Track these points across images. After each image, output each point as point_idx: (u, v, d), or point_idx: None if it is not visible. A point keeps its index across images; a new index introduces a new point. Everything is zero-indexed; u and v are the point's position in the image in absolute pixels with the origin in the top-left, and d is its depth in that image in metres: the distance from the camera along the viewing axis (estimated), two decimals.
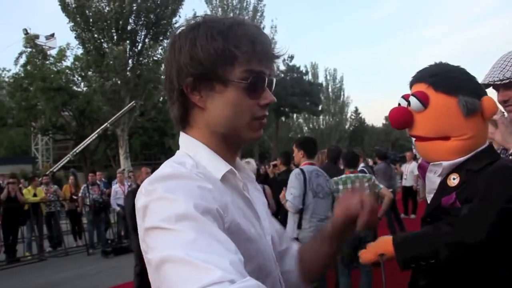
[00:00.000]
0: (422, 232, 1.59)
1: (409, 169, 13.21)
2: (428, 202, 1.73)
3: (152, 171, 1.48)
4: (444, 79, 1.60)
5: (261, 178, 7.91)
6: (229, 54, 1.03)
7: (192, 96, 1.08)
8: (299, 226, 4.55)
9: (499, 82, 1.96)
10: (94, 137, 22.58)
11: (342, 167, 6.17)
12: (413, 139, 1.74)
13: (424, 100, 1.60)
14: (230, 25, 1.05)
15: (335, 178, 5.36)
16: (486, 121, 1.63)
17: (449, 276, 1.52)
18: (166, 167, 1.04)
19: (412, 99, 1.63)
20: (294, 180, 4.66)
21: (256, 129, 1.12)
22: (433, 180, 1.69)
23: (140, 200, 0.96)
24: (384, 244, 1.59)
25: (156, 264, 0.83)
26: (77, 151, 22.91)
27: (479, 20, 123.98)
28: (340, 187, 5.27)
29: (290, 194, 4.61)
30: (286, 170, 6.67)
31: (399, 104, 1.72)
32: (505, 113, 2.03)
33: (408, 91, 1.71)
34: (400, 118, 1.68)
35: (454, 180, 1.60)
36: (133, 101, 21.01)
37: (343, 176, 5.42)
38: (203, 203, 0.91)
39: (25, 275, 9.31)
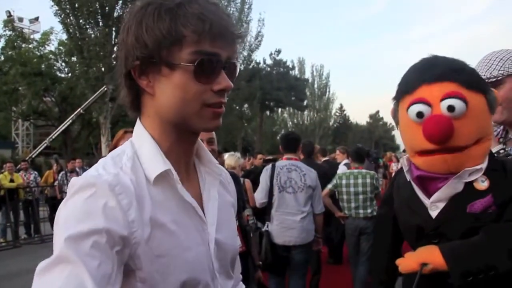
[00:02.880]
0: (475, 242, 1.41)
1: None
2: (433, 212, 1.54)
3: None
4: (471, 75, 1.47)
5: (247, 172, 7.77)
6: (175, 34, 0.93)
7: (140, 80, 0.99)
8: (269, 219, 4.66)
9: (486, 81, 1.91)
10: (68, 123, 22.55)
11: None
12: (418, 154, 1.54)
13: (465, 101, 1.42)
14: (180, 2, 0.94)
15: (339, 173, 5.69)
16: None
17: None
18: (92, 169, 0.97)
19: (456, 102, 1.41)
20: (261, 175, 4.82)
21: (209, 118, 0.99)
22: (455, 186, 1.50)
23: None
24: (429, 254, 1.45)
25: None
26: (53, 137, 22.75)
27: (467, 22, 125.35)
28: (344, 181, 5.51)
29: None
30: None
31: (419, 114, 1.47)
32: None
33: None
34: (449, 130, 1.42)
35: (483, 183, 1.46)
36: (104, 86, 20.82)
37: (347, 171, 5.70)
38: (90, 225, 0.86)
39: None
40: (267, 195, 4.66)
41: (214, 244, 1.06)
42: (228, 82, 0.99)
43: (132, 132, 2.95)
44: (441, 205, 1.53)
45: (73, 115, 22.38)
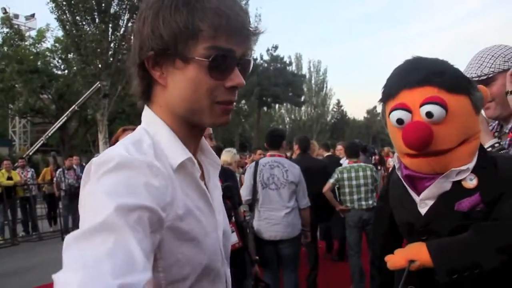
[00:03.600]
0: (461, 239, 1.42)
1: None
2: (422, 210, 1.56)
3: None
4: (452, 77, 1.45)
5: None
6: (192, 28, 0.92)
7: (153, 71, 0.99)
8: (253, 215, 4.81)
9: (476, 79, 1.90)
10: (64, 120, 22.57)
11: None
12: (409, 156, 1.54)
13: (445, 105, 1.41)
14: None
15: (339, 168, 5.88)
16: None
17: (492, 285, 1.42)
18: (119, 149, 0.92)
19: (434, 108, 1.41)
20: (246, 173, 4.97)
21: (219, 114, 1.00)
22: (443, 185, 1.50)
23: (83, 183, 0.89)
24: (416, 250, 1.46)
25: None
26: (49, 134, 22.74)
27: (465, 18, 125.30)
28: (345, 175, 5.72)
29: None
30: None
31: (399, 121, 1.48)
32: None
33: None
34: (428, 137, 1.42)
35: (471, 181, 1.46)
36: (98, 82, 20.81)
37: (347, 165, 5.89)
38: (135, 201, 0.81)
39: None
40: (251, 192, 4.77)
41: (221, 231, 1.10)
42: (240, 79, 0.99)
43: (131, 129, 2.94)
44: (430, 202, 1.54)
45: (67, 112, 22.41)
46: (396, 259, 1.52)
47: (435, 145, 1.44)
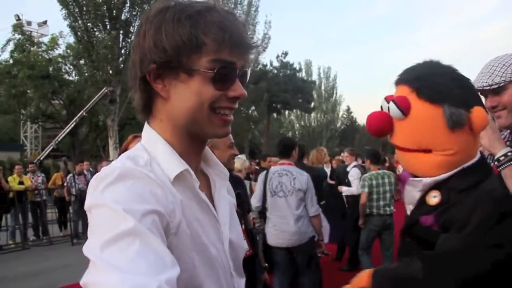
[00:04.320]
0: (396, 269, 1.47)
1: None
2: (408, 212, 1.62)
3: None
4: (430, 84, 1.43)
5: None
6: (196, 42, 0.94)
7: (155, 84, 1.00)
8: (264, 222, 4.98)
9: (487, 88, 1.88)
10: (72, 125, 22.73)
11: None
12: None
13: (404, 108, 1.45)
14: (200, 9, 0.96)
15: (366, 175, 6.23)
16: (476, 134, 1.47)
17: None
18: (117, 163, 0.95)
19: (391, 106, 1.48)
20: (258, 180, 5.18)
21: (218, 125, 1.02)
22: (412, 194, 1.56)
23: (87, 200, 0.90)
24: (363, 277, 1.48)
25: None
26: (59, 139, 22.97)
27: (474, 24, 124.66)
28: (374, 182, 6.08)
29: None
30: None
31: (381, 108, 1.57)
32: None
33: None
34: (378, 125, 1.53)
35: (434, 199, 1.46)
36: (105, 87, 20.97)
37: (373, 172, 6.24)
38: (145, 206, 0.85)
39: (7, 263, 9.22)
40: (261, 199, 4.92)
41: (228, 243, 1.09)
42: (242, 90, 1.02)
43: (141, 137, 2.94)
44: (411, 207, 1.58)
45: (76, 117, 22.59)
46: None
47: (394, 138, 1.54)
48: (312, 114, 52.60)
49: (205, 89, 0.97)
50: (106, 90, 20.94)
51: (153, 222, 0.84)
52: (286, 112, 50.19)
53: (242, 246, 1.19)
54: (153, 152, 1.02)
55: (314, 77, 52.74)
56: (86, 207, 0.89)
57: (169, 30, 0.95)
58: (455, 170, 1.45)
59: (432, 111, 1.42)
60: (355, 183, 7.14)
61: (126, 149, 2.89)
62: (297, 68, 44.50)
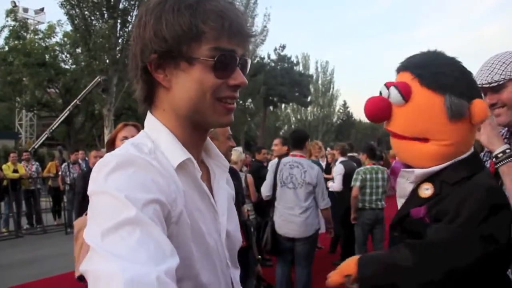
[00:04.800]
0: (383, 256, 1.47)
1: None
2: (399, 206, 1.60)
3: None
4: (433, 73, 1.44)
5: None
6: (195, 30, 0.95)
7: (157, 74, 1.01)
8: (273, 210, 5.03)
9: (487, 85, 1.88)
10: (66, 114, 22.98)
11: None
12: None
13: (405, 93, 1.45)
14: None
15: (360, 169, 6.33)
16: (474, 126, 1.48)
17: None
18: (120, 151, 0.96)
19: (392, 90, 1.48)
20: (269, 170, 5.27)
21: (221, 113, 1.03)
22: (404, 186, 1.56)
23: (89, 186, 0.90)
24: (350, 264, 1.48)
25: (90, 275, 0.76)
26: (53, 128, 23.02)
27: (474, 22, 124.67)
28: (368, 176, 6.19)
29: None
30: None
31: (380, 93, 1.56)
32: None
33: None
34: (377, 110, 1.52)
35: (426, 191, 1.46)
36: (98, 76, 21.01)
37: (368, 166, 6.35)
38: (147, 195, 0.85)
39: (1, 251, 9.21)
40: (271, 189, 5.01)
41: (226, 234, 1.10)
42: (243, 78, 1.03)
43: (132, 125, 2.94)
44: (403, 201, 1.58)
45: (70, 106, 22.75)
46: (333, 277, 1.53)
47: (391, 124, 1.53)
48: (309, 108, 52.56)
49: (206, 77, 0.98)
50: (99, 79, 20.94)
51: (154, 211, 0.84)
52: (283, 105, 50.21)
53: (238, 238, 1.20)
54: (156, 140, 1.03)
55: (312, 71, 52.69)
56: (88, 192, 0.89)
57: (169, 19, 0.96)
58: (449, 163, 1.45)
59: (433, 99, 1.42)
60: (338, 179, 7.21)
61: (115, 137, 2.89)
62: (295, 62, 44.46)
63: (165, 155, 1.00)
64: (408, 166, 1.56)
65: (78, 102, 21.99)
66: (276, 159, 5.97)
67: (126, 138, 2.78)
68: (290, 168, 4.92)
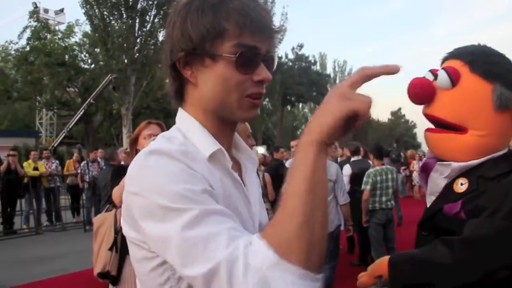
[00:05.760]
0: (417, 255, 1.39)
1: None
2: (428, 205, 1.55)
3: None
4: (485, 60, 1.41)
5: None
6: (218, 28, 1.00)
7: (184, 71, 1.06)
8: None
9: None
10: (81, 112, 23.51)
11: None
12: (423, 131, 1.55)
13: (454, 77, 1.41)
14: None
15: (370, 171, 6.25)
16: None
17: None
18: (155, 145, 1.00)
19: (441, 73, 1.44)
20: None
21: (247, 108, 1.05)
22: (437, 181, 1.51)
23: (136, 184, 0.95)
24: (380, 265, 1.43)
25: (178, 242, 0.85)
26: (70, 127, 23.47)
27: (492, 21, 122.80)
28: (378, 178, 6.20)
29: None
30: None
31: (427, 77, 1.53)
32: None
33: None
34: (420, 89, 1.47)
35: (462, 186, 1.41)
36: (109, 74, 21.27)
37: (378, 168, 6.33)
38: (198, 186, 0.91)
39: (21, 247, 9.38)
40: None
41: (258, 224, 1.12)
42: (267, 73, 1.05)
43: (155, 123, 2.98)
44: (433, 198, 1.53)
45: (84, 104, 23.30)
46: (364, 278, 1.49)
47: (432, 107, 1.48)
48: None
49: (229, 73, 1.01)
50: (110, 77, 21.20)
51: (210, 196, 0.91)
52: (300, 104, 50.09)
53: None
54: (188, 133, 1.07)
55: (329, 70, 52.56)
56: (136, 190, 0.94)
57: (193, 19, 1.01)
58: (486, 158, 1.41)
59: (482, 87, 1.39)
60: (344, 180, 7.05)
61: (138, 135, 2.92)
62: (312, 61, 44.32)
63: (196, 146, 1.04)
64: (441, 161, 1.52)
65: (92, 101, 22.34)
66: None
67: (150, 136, 2.82)
68: None
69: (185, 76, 1.07)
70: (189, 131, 1.08)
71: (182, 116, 1.12)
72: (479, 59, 1.41)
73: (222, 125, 1.10)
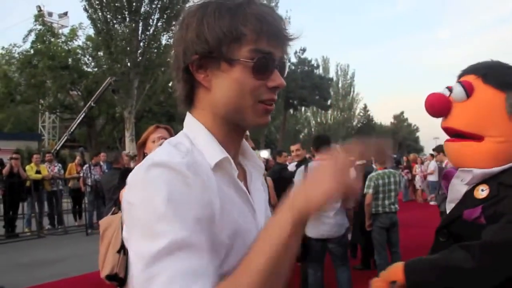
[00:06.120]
0: (435, 260, 1.39)
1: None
2: (447, 211, 1.57)
3: None
4: (497, 72, 1.49)
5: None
6: (236, 32, 0.99)
7: (198, 74, 1.04)
8: None
9: None
10: (82, 116, 24.03)
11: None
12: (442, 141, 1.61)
13: (468, 89, 1.49)
14: (240, 3, 1.01)
15: (372, 175, 6.28)
16: None
17: None
18: (159, 154, 0.98)
19: (456, 86, 1.53)
20: (296, 176, 5.33)
21: (261, 114, 1.05)
22: (458, 188, 1.53)
23: (131, 193, 0.93)
24: (395, 271, 1.44)
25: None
26: (71, 130, 23.61)
27: (498, 23, 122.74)
28: (380, 181, 6.21)
29: None
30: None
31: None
32: None
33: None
34: (437, 103, 1.56)
35: (482, 192, 1.43)
36: (109, 77, 21.38)
37: (380, 171, 6.33)
38: (193, 212, 0.89)
39: (23, 250, 9.38)
40: None
41: None
42: (281, 80, 1.05)
43: (163, 128, 3.00)
44: (453, 206, 1.55)
45: (85, 107, 23.58)
46: (377, 283, 1.49)
47: (449, 120, 1.55)
48: (329, 111, 52.43)
49: (245, 78, 1.01)
50: (110, 80, 21.29)
51: (200, 225, 0.88)
52: (303, 108, 50.10)
53: None
54: (195, 139, 1.06)
55: (332, 74, 52.67)
56: (130, 200, 0.93)
57: (210, 22, 1.00)
58: (508, 165, 1.44)
59: (495, 96, 1.46)
60: None
61: (146, 139, 2.94)
62: (315, 65, 44.33)
63: (202, 154, 1.03)
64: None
65: (92, 104, 22.47)
66: (301, 165, 6.25)
67: (159, 139, 2.83)
68: None
69: (198, 79, 1.05)
70: (196, 137, 1.06)
71: (190, 122, 1.10)
72: (492, 72, 1.49)
73: (231, 132, 1.09)
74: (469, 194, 1.48)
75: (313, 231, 5.01)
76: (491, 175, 1.44)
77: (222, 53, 1.00)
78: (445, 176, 1.67)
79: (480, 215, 1.38)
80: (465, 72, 1.57)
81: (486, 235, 1.30)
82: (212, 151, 1.03)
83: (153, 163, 0.92)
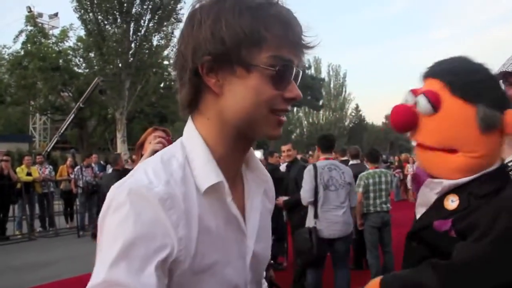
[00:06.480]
0: (406, 277, 1.37)
1: None
2: (417, 215, 1.51)
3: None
4: (465, 81, 1.34)
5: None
6: (257, 35, 0.89)
7: (208, 78, 0.93)
8: (316, 216, 5.09)
9: None
10: (72, 117, 23.79)
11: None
12: (414, 143, 1.50)
13: (435, 103, 1.34)
14: (262, 2, 0.91)
15: (363, 174, 6.37)
16: (503, 137, 1.37)
17: None
18: (140, 176, 0.91)
19: (421, 100, 1.38)
20: (305, 176, 5.24)
21: (274, 125, 0.96)
22: (427, 195, 1.46)
23: (102, 217, 0.89)
24: (373, 286, 1.39)
25: None
26: (61, 131, 23.60)
27: (494, 23, 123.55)
28: (371, 180, 6.26)
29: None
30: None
31: (406, 101, 1.47)
32: None
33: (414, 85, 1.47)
34: (403, 119, 1.43)
35: (452, 203, 1.36)
36: (97, 77, 21.37)
37: (371, 171, 6.41)
38: (151, 245, 0.83)
39: (14, 253, 9.31)
40: (313, 194, 5.13)
41: (252, 257, 1.04)
42: (298, 91, 0.97)
43: (162, 130, 2.94)
44: (423, 210, 1.49)
45: (74, 108, 23.55)
46: None
47: (418, 135, 1.42)
48: (321, 112, 52.57)
49: (263, 87, 0.92)
50: (98, 81, 21.23)
51: (156, 266, 0.83)
52: (295, 108, 50.19)
53: (266, 256, 1.14)
54: (191, 153, 0.97)
55: (323, 74, 52.78)
56: (101, 219, 0.89)
57: (229, 20, 0.89)
58: (477, 175, 1.36)
59: (465, 110, 1.33)
60: None
61: (143, 142, 2.93)
62: (306, 65, 44.42)
63: (194, 173, 0.95)
64: (432, 176, 1.48)
65: (81, 105, 22.45)
66: (291, 165, 6.51)
67: (155, 138, 2.82)
68: (329, 170, 5.16)
69: (207, 84, 0.93)
70: (192, 151, 0.97)
71: (190, 132, 1.00)
72: (459, 80, 1.35)
73: (236, 142, 0.99)
74: (438, 203, 1.41)
75: (326, 231, 5.04)
76: (460, 185, 1.37)
77: (240, 56, 0.90)
78: (415, 178, 1.64)
79: (450, 229, 1.32)
80: (430, 74, 1.42)
81: (453, 253, 1.26)
82: (206, 172, 0.94)
83: (129, 189, 0.86)
